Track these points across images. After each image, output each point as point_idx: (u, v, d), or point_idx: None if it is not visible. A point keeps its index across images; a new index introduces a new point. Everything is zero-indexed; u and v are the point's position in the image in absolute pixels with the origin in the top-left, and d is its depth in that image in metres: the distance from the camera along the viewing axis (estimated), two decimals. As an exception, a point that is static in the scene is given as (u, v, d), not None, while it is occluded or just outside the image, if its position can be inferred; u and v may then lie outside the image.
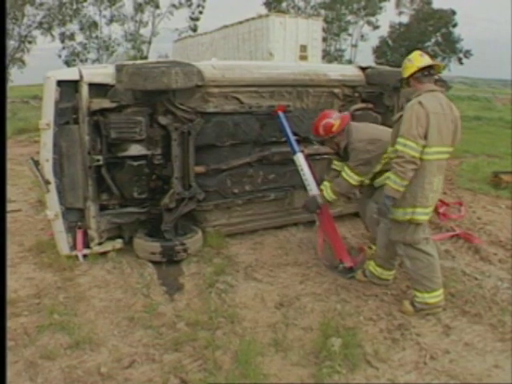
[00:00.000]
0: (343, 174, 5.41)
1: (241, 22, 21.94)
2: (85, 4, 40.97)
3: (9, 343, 4.04)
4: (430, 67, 4.57)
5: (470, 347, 4.18)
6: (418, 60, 4.60)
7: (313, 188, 5.80)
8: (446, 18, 45.50)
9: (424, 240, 4.67)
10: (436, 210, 5.94)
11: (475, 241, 6.43)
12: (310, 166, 5.99)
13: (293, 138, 6.08)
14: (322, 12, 46.24)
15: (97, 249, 5.72)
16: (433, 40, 46.51)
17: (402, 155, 4.31)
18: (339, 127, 5.45)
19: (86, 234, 5.68)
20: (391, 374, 3.82)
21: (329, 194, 5.55)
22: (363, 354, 4.01)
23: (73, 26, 41.32)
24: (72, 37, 42.02)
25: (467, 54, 45.72)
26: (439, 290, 4.67)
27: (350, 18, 48.69)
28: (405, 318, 4.57)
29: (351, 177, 5.35)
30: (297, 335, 4.29)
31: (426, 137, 4.33)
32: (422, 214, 4.53)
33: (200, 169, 5.94)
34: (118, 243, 5.85)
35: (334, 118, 5.49)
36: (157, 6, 44.63)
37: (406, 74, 4.62)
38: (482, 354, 4.10)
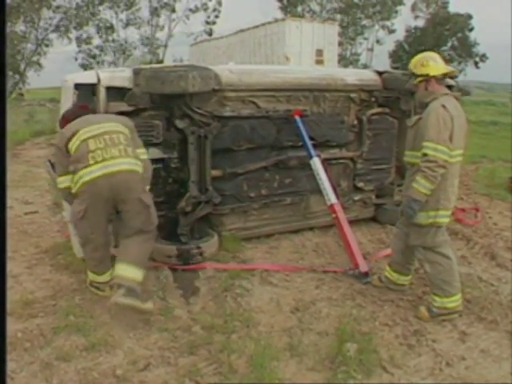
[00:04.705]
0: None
1: (257, 26, 22.06)
2: (101, 7, 41.42)
3: (25, 344, 4.08)
4: None
5: (486, 354, 4.15)
6: (442, 64, 4.65)
7: (329, 192, 5.80)
8: (462, 23, 45.42)
9: (444, 242, 4.66)
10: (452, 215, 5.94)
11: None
12: (325, 171, 5.98)
13: (309, 143, 6.08)
14: (338, 16, 46.38)
15: (113, 251, 5.73)
16: (449, 44, 46.43)
17: (435, 160, 4.28)
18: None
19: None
20: (407, 379, 3.80)
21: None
22: (378, 359, 3.99)
23: (89, 29, 41.78)
24: (88, 40, 42.44)
25: (483, 57, 45.59)
26: (458, 295, 4.65)
27: (365, 22, 48.79)
28: (421, 324, 4.54)
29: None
30: (312, 340, 4.28)
31: (450, 140, 4.34)
32: (445, 217, 4.55)
33: (216, 172, 5.95)
34: (134, 246, 5.85)
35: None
36: (173, 10, 44.97)
37: (432, 73, 4.55)
38: (498, 360, 4.07)
